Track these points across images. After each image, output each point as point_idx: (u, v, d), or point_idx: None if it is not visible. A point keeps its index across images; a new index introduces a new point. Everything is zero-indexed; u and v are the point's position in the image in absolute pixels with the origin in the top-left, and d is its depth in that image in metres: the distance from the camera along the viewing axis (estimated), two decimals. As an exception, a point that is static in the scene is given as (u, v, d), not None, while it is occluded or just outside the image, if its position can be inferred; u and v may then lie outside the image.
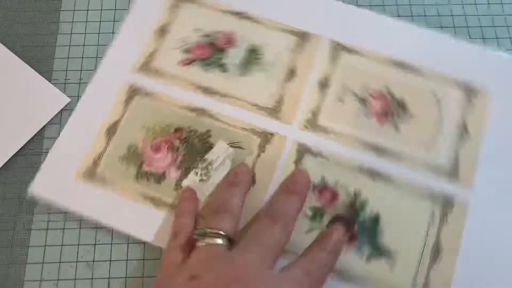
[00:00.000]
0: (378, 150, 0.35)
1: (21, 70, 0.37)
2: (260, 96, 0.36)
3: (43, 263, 0.32)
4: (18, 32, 0.38)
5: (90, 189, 0.33)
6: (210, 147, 0.34)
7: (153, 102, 0.36)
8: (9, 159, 0.34)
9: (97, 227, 0.33)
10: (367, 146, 0.35)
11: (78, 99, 0.36)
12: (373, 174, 0.34)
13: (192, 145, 0.35)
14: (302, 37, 0.38)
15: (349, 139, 0.35)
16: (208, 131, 0.35)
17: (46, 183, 0.33)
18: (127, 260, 0.32)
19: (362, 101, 0.36)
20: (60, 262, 0.32)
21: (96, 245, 0.33)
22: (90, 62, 0.37)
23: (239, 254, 0.28)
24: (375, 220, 0.33)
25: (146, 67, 0.37)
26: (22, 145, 0.34)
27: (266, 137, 0.35)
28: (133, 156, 0.34)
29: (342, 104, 0.36)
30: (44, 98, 0.36)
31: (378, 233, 0.32)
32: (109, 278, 0.32)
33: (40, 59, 0.37)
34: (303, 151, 0.35)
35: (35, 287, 0.32)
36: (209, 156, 0.34)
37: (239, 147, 0.34)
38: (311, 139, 0.35)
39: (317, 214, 0.33)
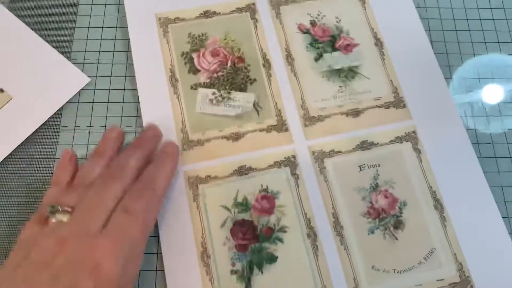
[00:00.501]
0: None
1: (44, 49, 0.37)
2: None
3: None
4: (38, 13, 0.39)
5: None
6: (242, 89, 0.36)
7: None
8: (29, 135, 0.35)
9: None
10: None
11: (96, 79, 0.37)
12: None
13: (235, 76, 0.37)
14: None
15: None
16: (255, 80, 0.37)
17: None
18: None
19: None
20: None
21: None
22: (109, 43, 0.38)
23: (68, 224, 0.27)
24: (271, 259, 0.32)
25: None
26: (43, 122, 0.35)
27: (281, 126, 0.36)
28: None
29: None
30: (65, 77, 0.37)
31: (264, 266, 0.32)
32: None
33: (59, 40, 0.38)
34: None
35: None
36: (235, 94, 0.36)
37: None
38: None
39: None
